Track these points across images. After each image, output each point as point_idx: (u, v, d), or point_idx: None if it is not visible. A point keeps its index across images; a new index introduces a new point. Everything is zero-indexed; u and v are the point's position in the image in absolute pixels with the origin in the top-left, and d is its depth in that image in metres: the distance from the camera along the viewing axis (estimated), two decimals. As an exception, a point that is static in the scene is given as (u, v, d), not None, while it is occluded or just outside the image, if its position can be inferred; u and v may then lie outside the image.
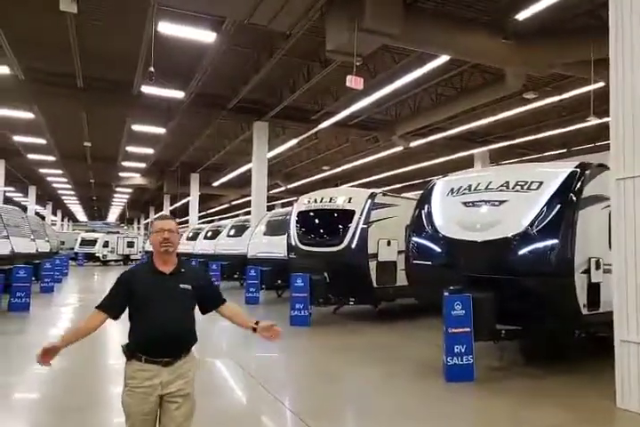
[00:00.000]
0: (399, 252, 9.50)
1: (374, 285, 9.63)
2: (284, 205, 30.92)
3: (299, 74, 14.48)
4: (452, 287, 5.87)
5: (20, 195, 40.77)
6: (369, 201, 10.01)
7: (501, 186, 6.22)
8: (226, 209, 45.86)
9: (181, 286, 2.75)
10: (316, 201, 10.82)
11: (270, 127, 18.73)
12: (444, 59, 11.39)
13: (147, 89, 14.66)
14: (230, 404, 5.13)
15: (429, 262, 6.74)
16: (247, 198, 26.09)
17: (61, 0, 9.84)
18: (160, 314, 2.65)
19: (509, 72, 12.02)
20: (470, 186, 6.57)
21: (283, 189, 32.05)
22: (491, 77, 14.02)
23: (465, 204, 6.45)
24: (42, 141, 22.45)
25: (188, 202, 32.94)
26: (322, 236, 10.73)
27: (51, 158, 26.52)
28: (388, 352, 7.52)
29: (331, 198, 10.55)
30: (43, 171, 31.03)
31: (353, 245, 9.72)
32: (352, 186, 28.61)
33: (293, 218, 11.25)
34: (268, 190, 21.09)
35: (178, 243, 2.82)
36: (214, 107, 17.25)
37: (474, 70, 14.23)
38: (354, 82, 9.27)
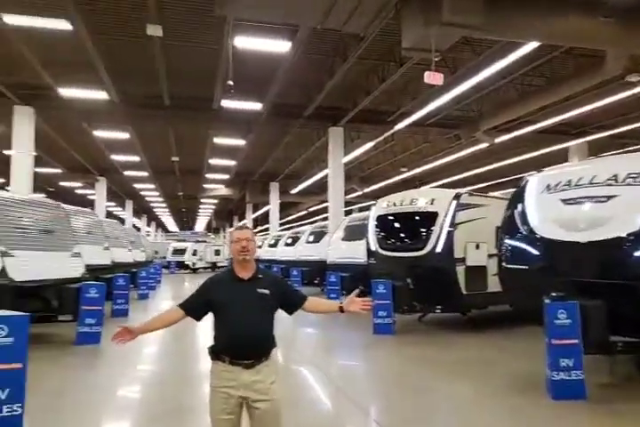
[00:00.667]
0: (490, 255, 8.95)
1: (462, 291, 9.12)
2: (361, 210, 30.66)
3: (374, 76, 14.27)
4: (554, 294, 5.34)
5: (119, 209, 44.01)
6: (454, 202, 9.53)
7: (609, 179, 5.52)
8: (304, 216, 46.48)
9: (259, 291, 2.89)
10: (395, 204, 10.51)
11: (345, 132, 18.65)
12: (531, 46, 10.61)
13: (226, 103, 15.20)
14: (316, 415, 5.00)
15: (525, 266, 6.21)
16: (325, 204, 26.20)
17: (148, 25, 10.54)
18: (239, 318, 2.81)
19: (610, 54, 10.93)
20: (570, 181, 5.91)
21: (360, 193, 31.84)
22: (586, 62, 12.86)
23: (564, 201, 5.85)
24: (136, 159, 24.09)
25: (268, 210, 33.76)
26: (403, 240, 10.40)
27: (144, 174, 28.44)
28: (480, 365, 7.04)
29: (411, 200, 10.19)
30: (137, 186, 33.30)
31: (438, 250, 9.30)
32: (433, 187, 27.76)
33: (372, 222, 11.02)
34: (345, 195, 21.00)
35: (255, 251, 2.99)
36: (290, 116, 17.49)
37: (566, 56, 13.17)
38: (433, 78, 8.87)
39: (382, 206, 10.85)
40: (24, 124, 15.79)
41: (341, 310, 3.01)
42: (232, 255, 3.01)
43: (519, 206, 6.46)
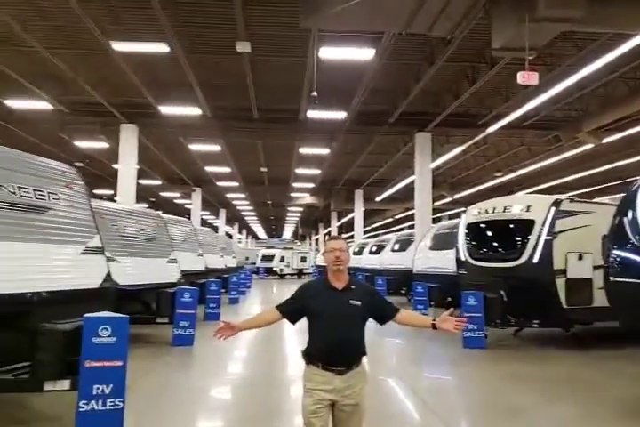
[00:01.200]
0: (595, 267, 8.22)
1: (563, 305, 8.42)
2: (451, 217, 29.66)
3: (462, 78, 13.83)
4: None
5: (213, 217, 46.37)
6: (552, 209, 8.87)
7: None
8: (390, 223, 45.97)
9: (351, 301, 2.96)
10: (487, 211, 9.98)
11: (433, 137, 18.21)
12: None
13: (311, 113, 15.50)
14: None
15: (636, 280, 5.60)
16: (411, 212, 25.71)
17: (237, 43, 11.05)
18: (332, 327, 2.91)
19: None
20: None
21: (449, 200, 30.87)
22: None
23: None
24: (227, 170, 25.31)
25: (353, 218, 33.80)
26: (496, 249, 9.86)
27: (235, 184, 29.78)
28: (583, 387, 6.40)
29: (505, 208, 9.62)
30: (229, 195, 34.94)
31: (534, 260, 8.68)
32: (531, 193, 26.17)
33: (462, 231, 10.57)
34: (433, 202, 20.43)
35: (348, 260, 3.06)
36: (375, 123, 17.42)
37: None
38: (527, 78, 8.38)
39: (473, 214, 10.38)
40: (129, 141, 17.17)
41: (434, 326, 3.05)
42: (326, 265, 3.10)
43: (629, 213, 5.81)
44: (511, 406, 5.69)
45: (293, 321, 3.12)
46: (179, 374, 7.04)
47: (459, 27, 9.05)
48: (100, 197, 16.54)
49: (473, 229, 10.29)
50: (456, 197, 30.32)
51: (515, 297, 9.00)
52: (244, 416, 5.15)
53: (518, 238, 9.14)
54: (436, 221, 18.55)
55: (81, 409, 4.33)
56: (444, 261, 12.74)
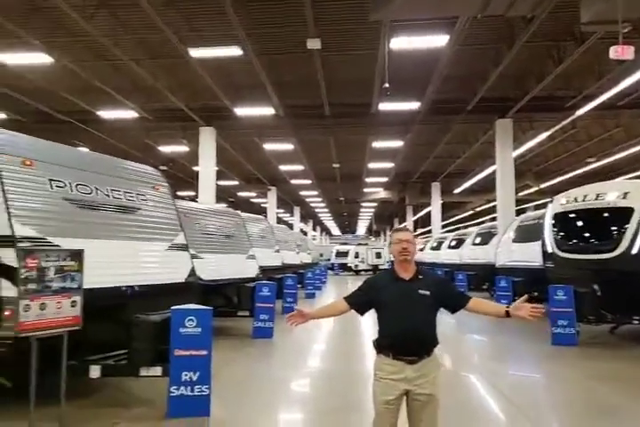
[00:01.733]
0: None
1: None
2: (536, 208, 28.10)
3: (547, 59, 12.97)
4: None
5: (288, 215, 47.39)
6: (655, 196, 8.14)
7: None
8: (469, 216, 44.47)
9: (420, 291, 2.96)
10: (576, 200, 9.29)
11: (515, 124, 17.31)
12: None
13: (384, 106, 15.34)
14: (484, 425, 4.68)
15: None
16: (493, 203, 24.70)
17: (308, 40, 11.18)
18: (401, 317, 2.93)
19: None
20: None
21: (534, 189, 29.22)
22: None
23: None
24: (300, 168, 25.72)
25: (429, 211, 33.07)
26: (587, 240, 9.19)
27: (308, 182, 30.20)
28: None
29: (597, 195, 8.89)
30: (303, 193, 35.50)
31: (633, 251, 8.01)
32: (628, 179, 24.01)
33: (548, 221, 9.98)
34: (516, 193, 19.46)
35: (415, 252, 3.08)
36: (451, 112, 16.90)
37: None
38: (621, 52, 7.67)
39: (561, 203, 9.72)
40: (207, 143, 17.96)
41: (507, 314, 2.98)
42: (393, 256, 3.10)
43: None
44: (602, 406, 5.35)
45: (362, 313, 3.16)
46: (259, 364, 7.29)
47: (542, 3, 8.50)
48: (182, 198, 17.45)
49: (561, 219, 9.66)
50: (542, 186, 28.56)
51: (610, 291, 8.36)
52: (323, 408, 5.23)
53: (614, 228, 8.47)
54: (520, 212, 17.65)
55: (172, 394, 4.64)
56: (529, 254, 12.14)
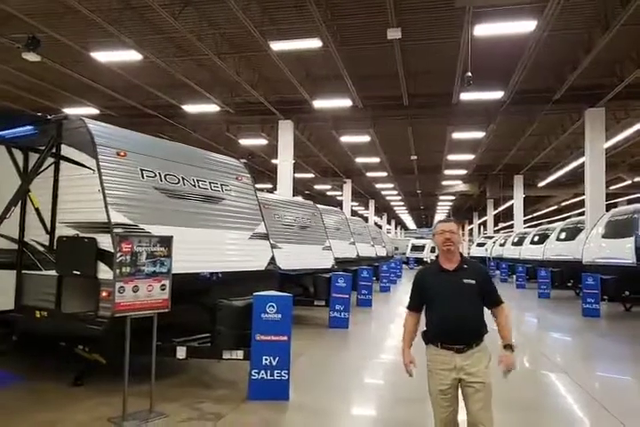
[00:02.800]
0: None
1: None
2: (629, 202, 26.00)
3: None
4: None
5: (362, 208, 47.30)
6: None
7: None
8: (554, 211, 42.02)
9: (465, 280, 3.01)
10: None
11: (607, 112, 16.10)
12: None
13: (465, 95, 14.82)
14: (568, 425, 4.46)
15: None
16: (580, 198, 23.16)
17: (388, 30, 11.03)
18: (447, 307, 2.98)
19: None
20: None
21: (627, 183, 27.04)
22: None
23: None
24: (376, 160, 25.50)
25: (511, 205, 31.63)
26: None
27: (384, 174, 29.92)
28: None
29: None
30: (378, 186, 35.23)
31: None
32: None
33: (645, 217, 9.25)
34: (608, 186, 18.12)
35: (459, 242, 3.14)
36: (537, 101, 16.01)
37: None
38: None
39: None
40: (285, 136, 18.32)
41: (505, 346, 3.04)
42: (437, 247, 3.16)
43: None
44: None
45: (422, 311, 3.22)
46: (336, 353, 7.40)
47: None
48: (261, 191, 17.97)
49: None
50: (637, 179, 26.40)
51: None
52: (396, 397, 5.24)
53: None
54: (610, 207, 16.42)
55: (253, 377, 4.84)
56: (620, 251, 11.33)
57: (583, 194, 18.25)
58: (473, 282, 3.00)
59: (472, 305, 3.00)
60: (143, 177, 5.33)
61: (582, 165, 17.77)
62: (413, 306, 3.21)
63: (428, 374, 3.07)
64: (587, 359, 7.68)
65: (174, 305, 4.60)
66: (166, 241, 4.63)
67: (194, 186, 5.94)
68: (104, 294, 4.48)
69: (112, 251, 4.45)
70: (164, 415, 4.29)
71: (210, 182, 6.18)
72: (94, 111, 18.15)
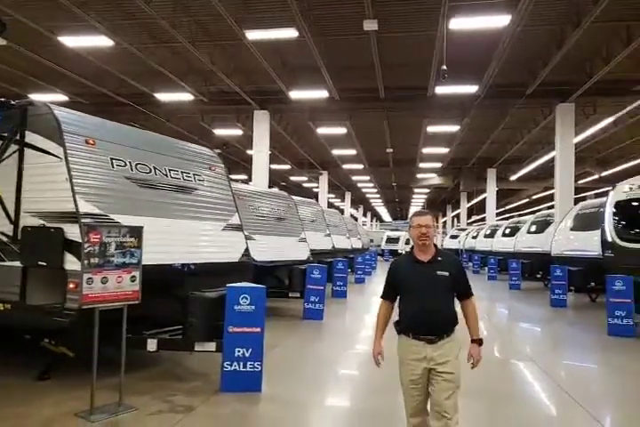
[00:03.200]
0: None
1: None
2: (597, 196, 26.75)
3: (614, 39, 12.21)
4: None
5: (338, 200, 47.42)
6: None
7: None
8: (526, 204, 42.94)
9: (438, 272, 3.04)
10: (641, 188, 8.91)
11: (577, 108, 16.46)
12: None
13: (441, 89, 14.92)
14: (536, 414, 4.57)
15: None
16: (550, 191, 23.70)
17: (364, 22, 10.97)
18: (420, 298, 3.02)
19: None
20: None
21: (595, 177, 27.81)
22: None
23: None
24: (352, 152, 25.55)
25: (484, 198, 32.17)
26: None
27: (360, 167, 30.01)
28: None
29: (664, 183, 8.50)
30: (354, 178, 35.33)
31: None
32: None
33: (609, 209, 9.55)
34: (576, 180, 18.59)
35: (434, 236, 3.16)
36: (510, 96, 16.24)
37: None
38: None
39: (624, 191, 9.32)
40: (261, 127, 18.14)
41: (473, 341, 3.11)
42: (412, 240, 3.17)
43: None
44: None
45: (395, 300, 3.25)
46: (310, 344, 7.42)
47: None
48: (236, 181, 17.80)
49: (623, 207, 9.28)
50: (604, 174, 27.18)
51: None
52: (369, 388, 5.30)
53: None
54: (578, 201, 16.87)
55: (225, 369, 4.81)
56: (587, 243, 11.67)
57: (553, 188, 18.66)
58: (447, 274, 3.04)
59: (444, 297, 3.05)
60: (113, 166, 5.20)
61: (553, 160, 18.18)
62: (386, 296, 3.23)
63: (399, 363, 3.12)
64: (554, 348, 7.90)
65: (145, 297, 4.52)
66: (137, 232, 4.53)
67: (166, 175, 5.83)
68: (71, 285, 4.37)
69: (80, 241, 4.33)
70: (133, 409, 4.23)
71: (182, 172, 6.07)
72: (63, 98, 17.63)
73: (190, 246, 5.81)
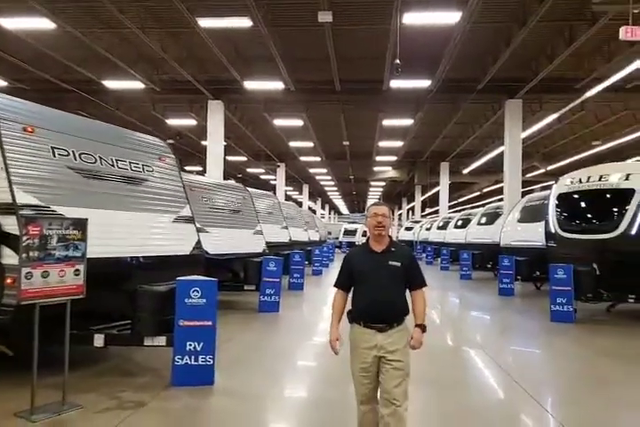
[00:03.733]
0: None
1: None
2: (543, 189, 27.93)
3: (558, 39, 12.71)
4: None
5: (297, 192, 47.34)
6: (656, 177, 8.11)
7: None
8: (477, 197, 44.26)
9: (391, 262, 3.11)
10: (581, 181, 9.32)
11: (525, 104, 17.06)
12: None
13: (395, 83, 15.08)
14: (483, 399, 4.74)
15: None
16: (500, 184, 24.51)
17: (319, 13, 10.92)
18: (373, 287, 3.07)
19: None
20: None
21: (541, 171, 28.98)
22: None
23: None
24: (310, 144, 25.50)
25: (438, 191, 32.92)
26: (589, 221, 9.24)
27: (317, 159, 30.02)
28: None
29: (600, 177, 8.92)
30: (312, 171, 35.32)
31: (632, 231, 8.10)
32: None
33: (552, 202, 9.96)
34: (524, 174, 19.32)
35: (389, 226, 3.21)
36: (462, 91, 16.65)
37: None
38: (631, 33, 7.55)
39: (565, 184, 9.73)
40: (215, 117, 17.79)
41: (417, 325, 3.14)
42: (368, 230, 3.22)
43: None
44: (599, 377, 5.48)
45: (350, 289, 3.27)
46: (265, 337, 7.40)
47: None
48: (190, 173, 17.48)
49: (565, 199, 9.68)
50: (549, 168, 28.38)
51: (609, 270, 8.46)
52: (324, 378, 5.36)
53: (615, 209, 8.54)
54: (526, 194, 17.57)
55: (176, 363, 4.72)
56: (532, 234, 12.16)
57: (503, 181, 19.31)
58: (399, 264, 3.10)
59: (396, 286, 3.11)
60: (54, 155, 4.96)
61: (502, 154, 18.77)
62: (341, 284, 3.26)
63: (350, 352, 3.15)
64: (501, 335, 8.22)
65: (91, 291, 4.35)
66: (81, 224, 4.35)
67: (112, 166, 5.62)
68: (8, 280, 4.16)
69: (17, 234, 4.12)
70: (78, 407, 4.09)
71: (130, 162, 5.88)
72: (2, 84, 16.67)
73: (139, 239, 5.65)
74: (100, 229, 4.87)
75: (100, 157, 5.47)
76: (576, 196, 9.50)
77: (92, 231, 4.43)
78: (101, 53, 13.83)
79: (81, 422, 3.89)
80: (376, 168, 32.87)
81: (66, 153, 5.08)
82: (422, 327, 3.14)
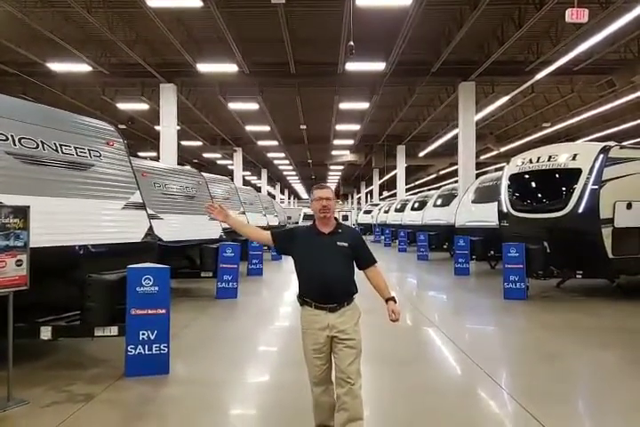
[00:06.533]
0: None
1: (609, 255, 8.17)
2: (496, 171, 28.75)
3: (509, 22, 12.96)
4: None
5: (255, 177, 46.87)
6: (601, 156, 8.44)
7: None
8: (434, 179, 45.13)
9: (338, 243, 3.14)
10: (531, 161, 9.59)
11: (477, 87, 17.37)
12: None
13: (350, 66, 15.01)
14: (439, 375, 4.89)
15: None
16: (455, 167, 25.05)
17: (272, -6, 10.66)
18: (320, 267, 3.08)
19: None
20: None
21: (495, 153, 29.77)
22: None
23: None
24: (266, 128, 25.18)
25: (395, 174, 33.32)
26: (539, 200, 9.57)
27: (275, 143, 29.71)
28: (629, 336, 6.34)
29: (550, 157, 9.21)
30: (270, 155, 34.98)
31: (580, 210, 8.41)
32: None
33: (504, 182, 10.25)
34: (478, 156, 19.83)
35: (334, 208, 3.25)
36: (416, 74, 16.79)
37: None
38: (576, 15, 7.76)
39: (516, 164, 10.01)
40: (168, 101, 17.28)
41: (387, 300, 3.20)
42: (313, 213, 3.23)
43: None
44: (549, 351, 5.70)
45: (280, 252, 3.40)
46: (222, 323, 7.34)
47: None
48: (144, 159, 16.98)
49: (516, 180, 9.97)
50: (502, 150, 29.17)
51: (558, 248, 8.81)
52: (281, 362, 5.37)
53: (563, 188, 8.83)
54: (480, 175, 18.03)
55: (129, 353, 4.62)
56: (486, 215, 12.49)
57: (458, 163, 19.73)
58: (346, 245, 3.13)
59: (345, 266, 3.14)
60: (-9, 141, 4.68)
61: (457, 136, 19.14)
62: (278, 240, 3.28)
63: (302, 334, 3.16)
64: (456, 313, 8.45)
65: (37, 282, 4.18)
66: (21, 212, 4.14)
67: (56, 151, 5.36)
68: (-57, 273, 3.93)
69: (-49, 224, 3.89)
70: (24, 402, 3.94)
71: (75, 147, 5.62)
72: None
73: (86, 227, 5.43)
74: (45, 218, 4.66)
75: (43, 142, 5.20)
76: (527, 176, 9.78)
77: (36, 220, 4.22)
78: (44, 34, 13.10)
79: (27, 418, 3.75)
80: (334, 152, 32.90)
81: (4, 138, 4.80)
82: (393, 299, 3.20)
